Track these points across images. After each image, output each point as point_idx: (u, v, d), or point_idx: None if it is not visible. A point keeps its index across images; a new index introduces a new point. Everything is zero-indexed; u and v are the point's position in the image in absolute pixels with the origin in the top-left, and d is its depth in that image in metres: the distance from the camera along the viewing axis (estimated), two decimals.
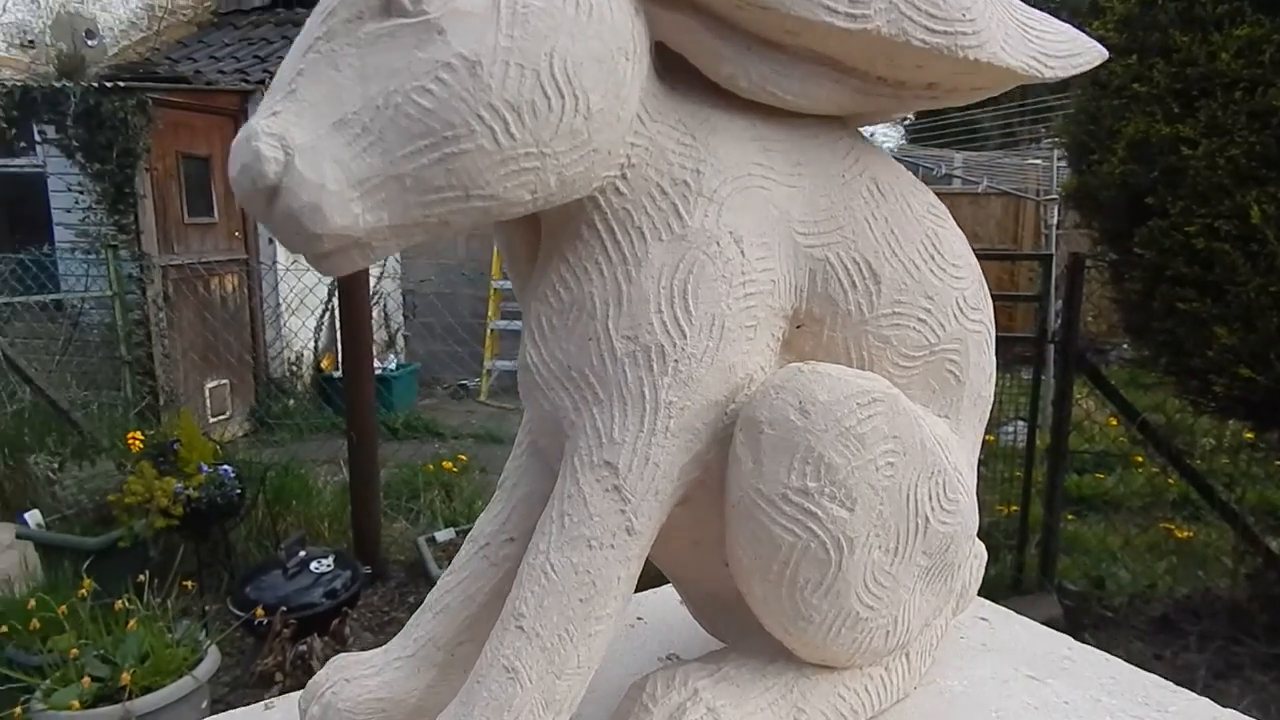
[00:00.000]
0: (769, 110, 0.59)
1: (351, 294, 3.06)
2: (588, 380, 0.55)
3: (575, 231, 0.57)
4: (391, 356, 5.90)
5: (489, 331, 6.07)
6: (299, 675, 2.20)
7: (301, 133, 0.49)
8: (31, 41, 5.31)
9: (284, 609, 2.37)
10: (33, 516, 2.95)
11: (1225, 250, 1.99)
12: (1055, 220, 5.60)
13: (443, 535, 3.04)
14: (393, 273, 6.21)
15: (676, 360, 0.54)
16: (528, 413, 0.63)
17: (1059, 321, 2.98)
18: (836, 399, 0.56)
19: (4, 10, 5.21)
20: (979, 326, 0.65)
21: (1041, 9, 0.61)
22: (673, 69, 0.59)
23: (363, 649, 2.36)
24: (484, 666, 0.55)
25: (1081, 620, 2.65)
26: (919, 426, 0.60)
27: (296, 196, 0.48)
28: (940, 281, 0.63)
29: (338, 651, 2.30)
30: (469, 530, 2.87)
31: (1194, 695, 0.78)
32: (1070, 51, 0.60)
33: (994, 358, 0.67)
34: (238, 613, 2.56)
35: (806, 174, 0.59)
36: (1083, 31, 0.62)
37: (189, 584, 2.59)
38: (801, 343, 0.60)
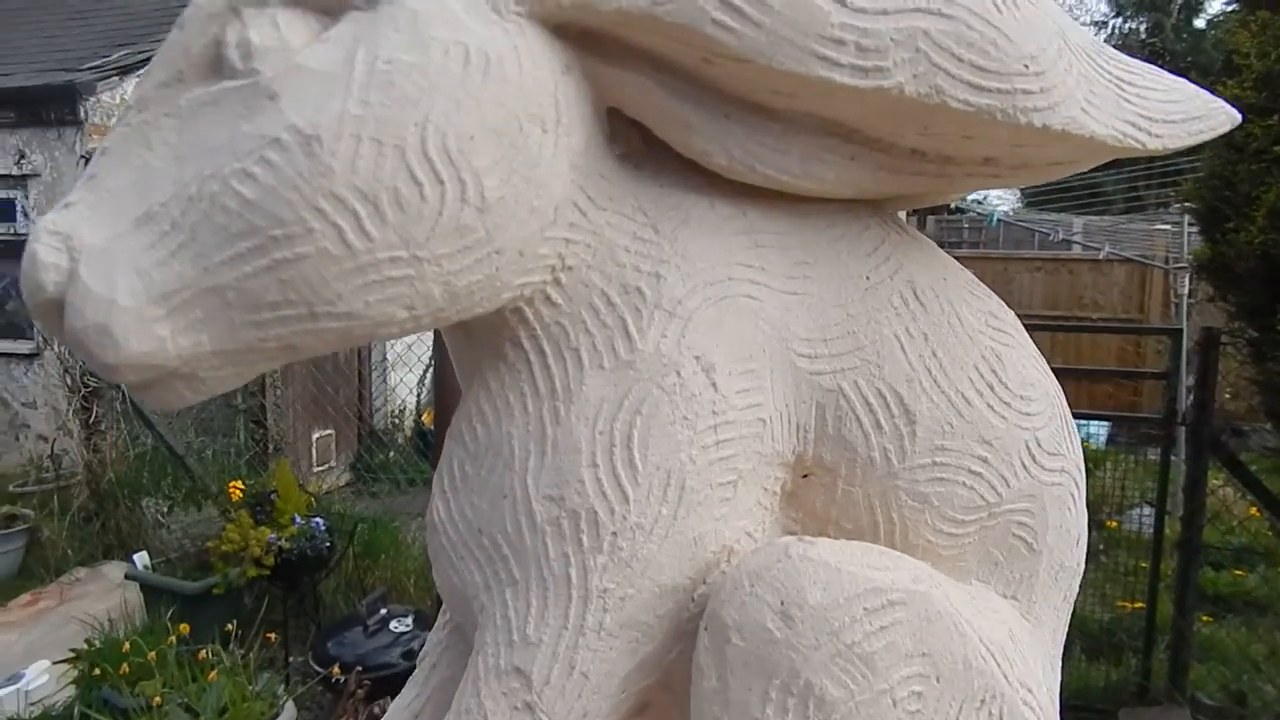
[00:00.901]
0: (767, 193, 0.45)
1: (442, 346, 3.11)
2: (500, 551, 0.42)
3: (498, 350, 0.45)
4: None
5: None
6: None
7: (94, 231, 0.39)
8: None
9: (360, 668, 2.35)
10: (141, 558, 3.08)
11: None
12: (1186, 290, 5.23)
13: None
14: None
15: (615, 533, 0.40)
16: (435, 574, 0.50)
17: (1190, 401, 2.74)
18: (834, 601, 0.39)
19: None
20: (1060, 477, 0.48)
21: (1168, 69, 0.48)
22: (648, 142, 0.46)
23: None
24: None
25: None
26: (961, 637, 0.42)
27: (80, 314, 0.38)
28: (1003, 420, 0.46)
29: None
30: None
31: None
32: (1186, 115, 0.44)
33: (1084, 514, 0.50)
34: (317, 668, 2.57)
35: (815, 276, 0.45)
36: (1215, 93, 0.46)
37: (273, 636, 2.62)
38: (810, 497, 0.45)
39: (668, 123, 0.44)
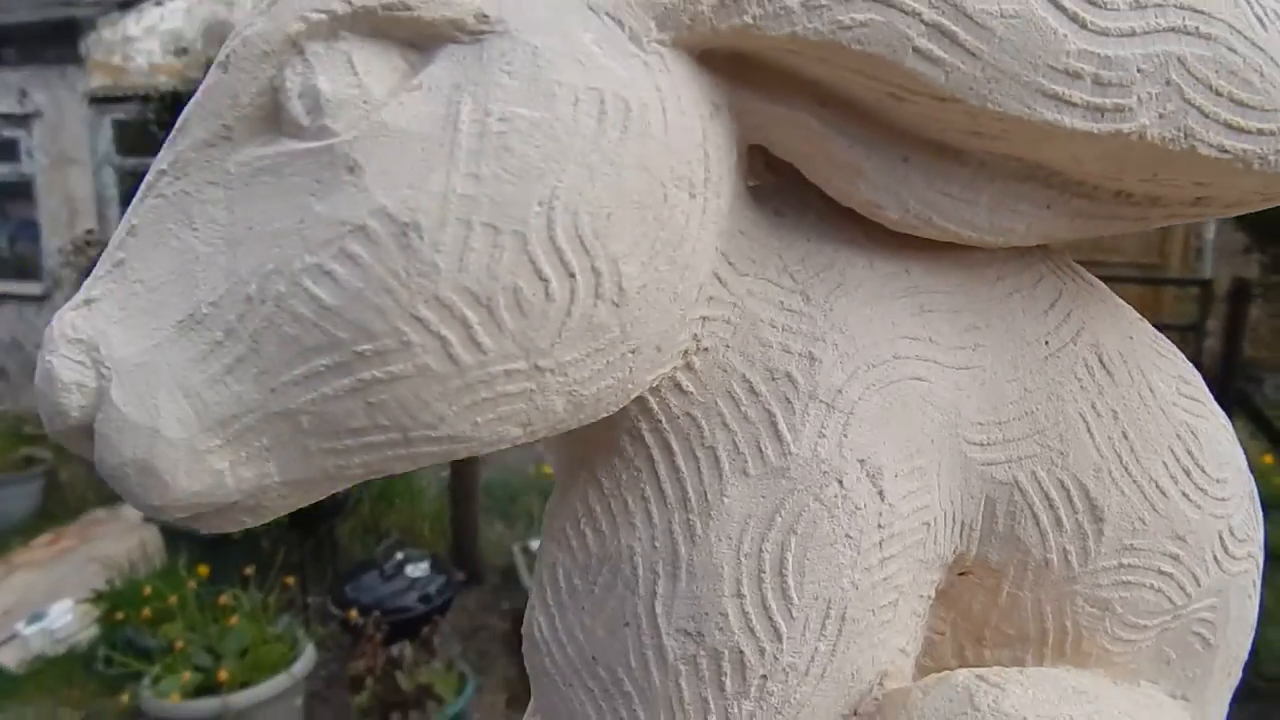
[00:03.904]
0: (929, 242, 0.36)
1: None
2: (622, 687, 0.34)
3: (612, 442, 0.35)
4: None
5: None
6: (388, 680, 2.20)
7: (126, 338, 0.29)
8: (185, 49, 5.65)
9: (378, 612, 2.38)
10: None
11: None
12: (1210, 235, 5.13)
13: (536, 544, 3.01)
14: None
15: (765, 676, 0.33)
16: (534, 693, 0.42)
17: (1219, 354, 2.70)
18: None
19: (162, 19, 5.56)
20: (1248, 564, 0.41)
21: None
22: (773, 168, 0.36)
23: (451, 659, 2.32)
24: None
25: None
26: None
27: (115, 449, 0.29)
28: (1199, 511, 0.38)
29: (427, 662, 2.31)
30: None
31: None
32: None
33: (1260, 596, 0.45)
34: (336, 611, 2.61)
35: (988, 345, 0.36)
36: None
37: (291, 580, 2.66)
38: (967, 599, 0.38)
39: (829, 167, 0.34)
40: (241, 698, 2.07)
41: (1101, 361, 0.38)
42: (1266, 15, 0.31)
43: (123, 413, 0.29)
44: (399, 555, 2.74)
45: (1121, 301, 0.40)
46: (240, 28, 0.29)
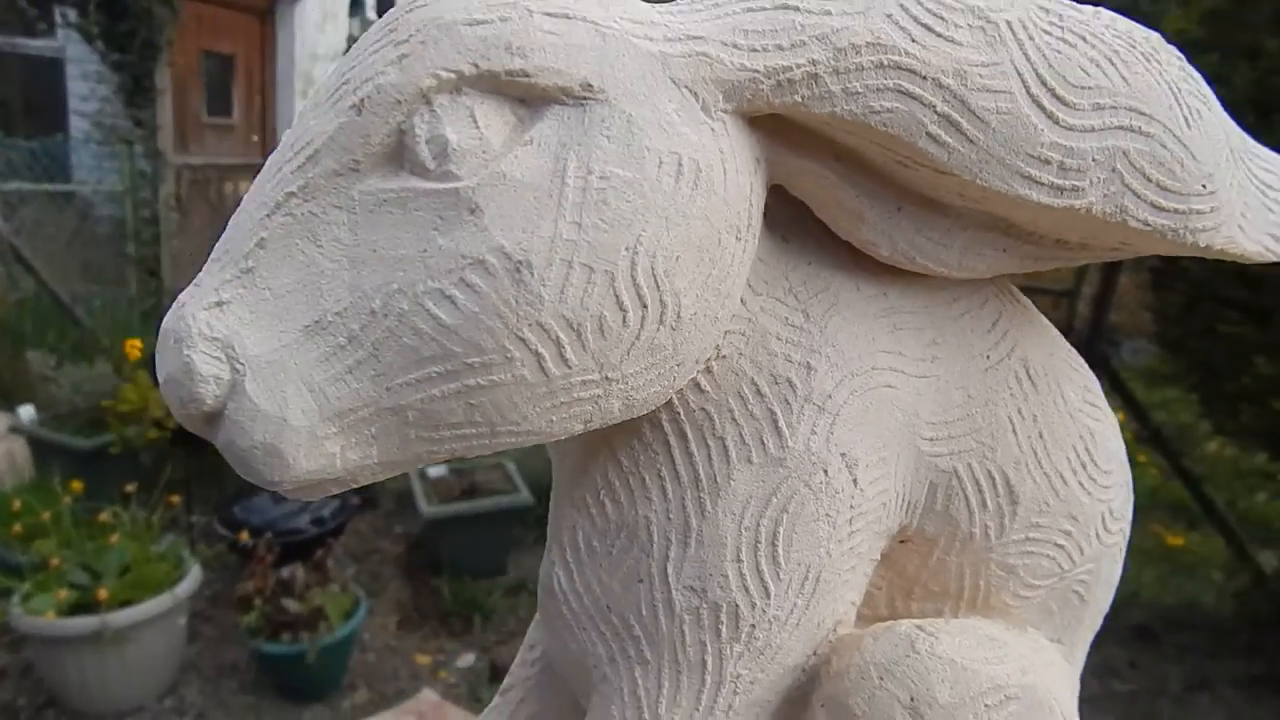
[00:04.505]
0: (900, 272, 0.43)
1: None
2: (631, 631, 0.41)
3: (633, 427, 0.41)
4: None
5: None
6: (276, 600, 2.19)
7: (257, 338, 0.33)
8: None
9: (269, 534, 2.35)
10: (27, 411, 2.94)
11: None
12: None
13: (435, 471, 3.01)
14: None
15: (754, 625, 0.40)
16: (545, 633, 0.49)
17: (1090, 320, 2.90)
18: (962, 699, 0.40)
19: None
20: (1119, 538, 0.51)
21: (1118, 7, 0.42)
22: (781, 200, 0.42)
23: (344, 582, 2.31)
24: None
25: None
26: (1052, 715, 0.45)
27: (245, 434, 0.33)
28: (1089, 497, 0.47)
29: (319, 585, 2.30)
30: (462, 468, 2.79)
31: None
32: None
33: (1123, 563, 0.54)
34: (224, 532, 2.56)
35: (943, 358, 0.42)
36: (1159, 24, 0.46)
37: (175, 499, 2.58)
38: (903, 561, 0.46)
39: (837, 210, 0.40)
40: (121, 616, 2.02)
41: (1028, 374, 0.45)
42: (1191, 114, 0.38)
43: (255, 403, 0.33)
44: None
45: (1045, 320, 0.48)
46: (371, 75, 0.34)
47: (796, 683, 0.43)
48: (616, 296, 0.34)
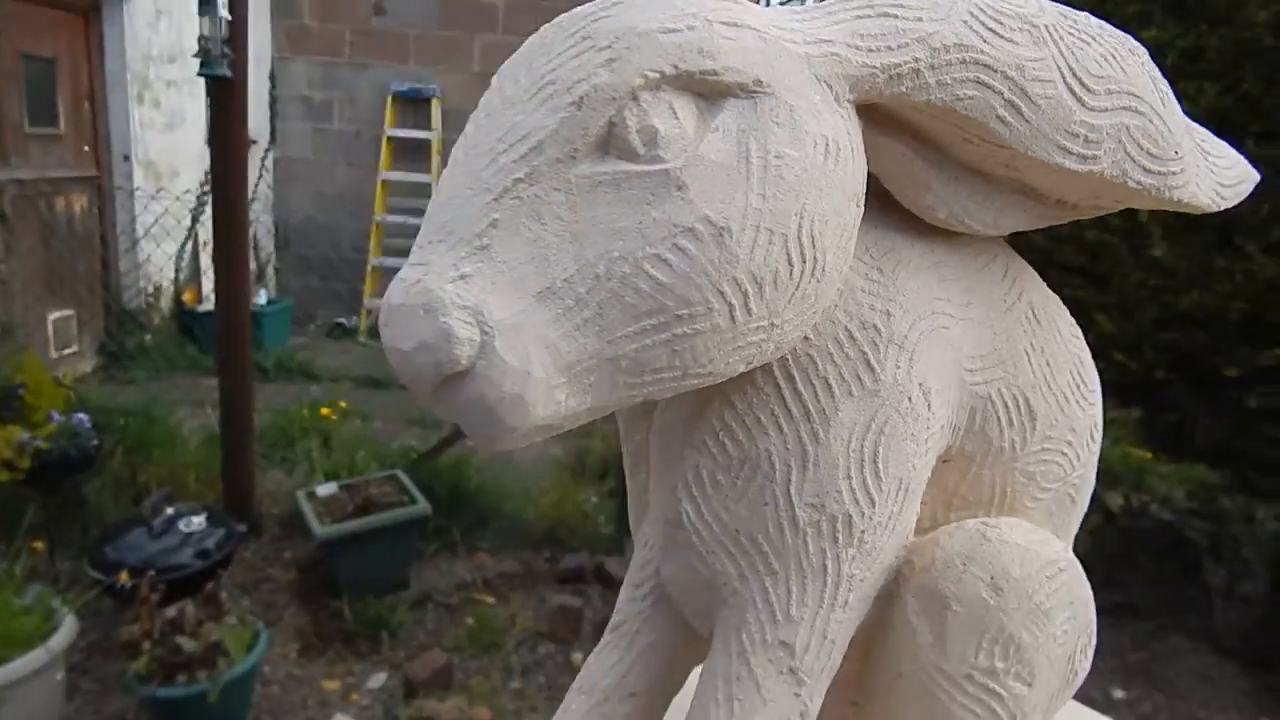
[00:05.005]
0: (944, 232, 0.52)
1: (228, 218, 2.81)
2: (760, 549, 0.49)
3: (745, 377, 0.48)
4: (261, 291, 5.53)
5: (370, 268, 5.79)
6: (167, 641, 2.06)
7: (501, 305, 0.39)
8: None
9: (151, 571, 2.20)
10: None
11: (1113, 243, 2.10)
12: None
13: (324, 490, 2.89)
14: (264, 198, 5.80)
15: (864, 531, 0.48)
16: (661, 564, 0.55)
17: None
18: (1029, 574, 0.52)
19: None
20: (1098, 447, 0.62)
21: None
22: None
23: (240, 614, 2.20)
24: None
25: None
26: (1083, 585, 0.56)
27: (496, 386, 0.39)
28: (1083, 412, 0.59)
29: (213, 619, 2.17)
30: (352, 484, 2.70)
31: None
32: (1237, 179, 0.54)
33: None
34: (96, 575, 2.37)
35: (975, 303, 0.53)
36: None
37: (39, 545, 2.37)
38: (946, 478, 0.55)
39: (906, 180, 0.50)
40: None
41: (1034, 313, 0.56)
42: (1164, 97, 0.49)
43: (504, 360, 0.39)
44: (169, 510, 2.53)
45: (1037, 275, 0.58)
46: (584, 76, 0.40)
47: (885, 581, 0.53)
48: (788, 254, 0.42)
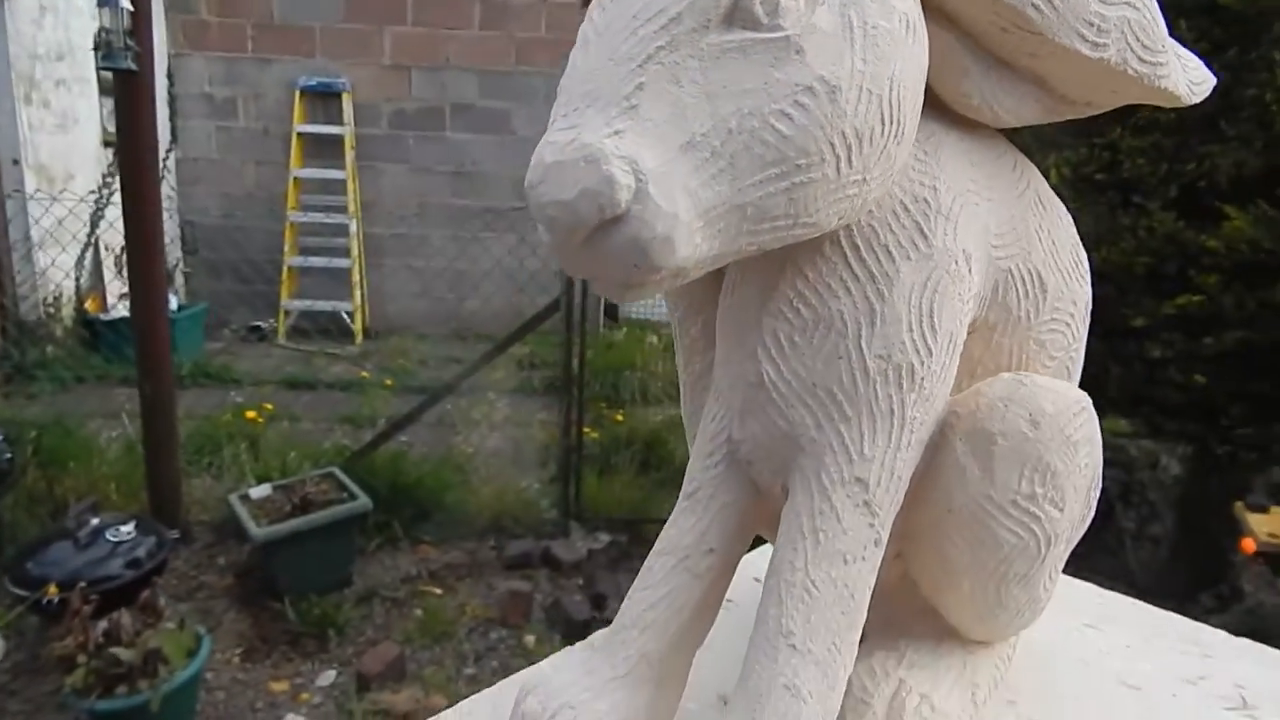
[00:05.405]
0: (969, 123, 0.59)
1: (141, 220, 2.70)
2: (835, 398, 0.55)
3: (815, 247, 0.55)
4: (171, 297, 5.30)
5: (286, 268, 5.62)
6: (105, 654, 1.98)
7: (651, 156, 0.44)
8: None
9: (82, 584, 2.11)
10: None
11: None
12: None
13: (258, 492, 2.81)
14: (167, 201, 5.55)
15: (923, 378, 0.55)
16: (736, 426, 0.61)
17: None
18: (1060, 410, 0.60)
19: None
20: (1088, 325, 0.71)
21: None
22: None
23: (179, 620, 2.13)
24: (762, 687, 0.55)
25: None
26: (1098, 428, 0.64)
27: (650, 227, 0.44)
28: (1081, 287, 0.68)
29: (150, 627, 2.09)
30: (287, 484, 2.66)
31: (1221, 633, 0.92)
32: (1202, 79, 0.62)
33: None
34: (19, 591, 2.26)
35: (996, 187, 0.60)
36: None
37: None
38: (971, 348, 0.62)
39: (946, 68, 0.56)
40: None
41: (1040, 199, 0.64)
42: None
43: (658, 204, 0.44)
44: (94, 521, 2.42)
45: (1031, 163, 0.66)
46: None
47: (934, 431, 0.60)
48: (881, 114, 0.48)
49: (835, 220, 0.51)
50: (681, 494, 0.65)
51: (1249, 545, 2.23)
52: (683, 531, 0.63)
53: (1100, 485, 0.67)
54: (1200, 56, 0.63)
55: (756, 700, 0.55)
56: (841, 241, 0.55)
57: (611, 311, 6.43)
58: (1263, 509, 2.39)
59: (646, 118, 0.45)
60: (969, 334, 0.61)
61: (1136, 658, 0.85)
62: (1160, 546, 3.14)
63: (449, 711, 0.74)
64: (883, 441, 0.55)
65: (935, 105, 0.58)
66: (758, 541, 0.73)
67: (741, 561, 0.66)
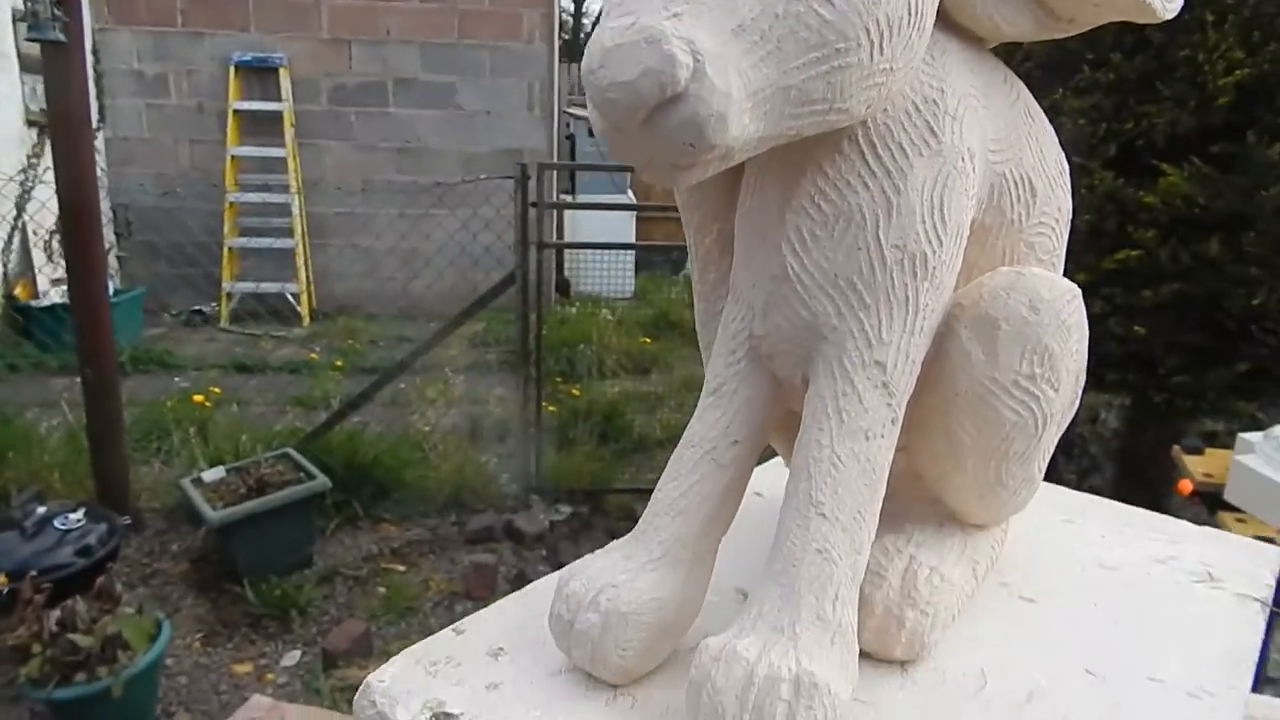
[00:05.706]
0: (969, 36, 0.65)
1: (76, 199, 2.61)
2: (855, 288, 0.60)
3: (834, 146, 0.59)
4: (107, 281, 5.12)
5: (226, 250, 5.47)
6: (62, 643, 1.93)
7: (707, 38, 0.47)
8: None
9: (32, 574, 2.05)
10: None
11: None
12: None
13: (211, 475, 2.75)
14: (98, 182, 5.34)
15: (935, 267, 0.60)
16: (759, 322, 0.65)
17: None
18: (1056, 296, 0.66)
19: None
20: (1068, 232, 0.76)
21: None
22: None
23: (138, 605, 2.09)
24: (797, 552, 0.59)
25: None
26: (1085, 316, 0.70)
27: (706, 104, 0.47)
28: (1063, 194, 0.73)
29: (107, 613, 2.05)
30: (241, 466, 2.61)
31: (1185, 523, 0.99)
32: None
33: None
34: None
35: (991, 95, 0.65)
36: None
37: None
38: (968, 251, 0.66)
39: None
40: None
41: (1029, 111, 0.70)
42: None
43: (714, 82, 0.47)
44: (40, 509, 2.35)
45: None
46: None
47: (941, 316, 0.64)
48: (908, 5, 0.53)
49: (864, 108, 0.54)
50: (704, 391, 0.69)
51: (1186, 486, 2.34)
52: (709, 425, 0.67)
53: (1084, 380, 0.72)
54: None
55: (792, 563, 0.59)
56: (859, 140, 0.59)
57: (563, 287, 6.41)
58: (1198, 450, 2.50)
59: (700, 2, 0.48)
60: (967, 235, 0.65)
61: (1112, 544, 0.92)
62: (1100, 496, 3.26)
63: (488, 609, 0.77)
64: (899, 327, 0.60)
65: (941, 17, 0.61)
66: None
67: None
